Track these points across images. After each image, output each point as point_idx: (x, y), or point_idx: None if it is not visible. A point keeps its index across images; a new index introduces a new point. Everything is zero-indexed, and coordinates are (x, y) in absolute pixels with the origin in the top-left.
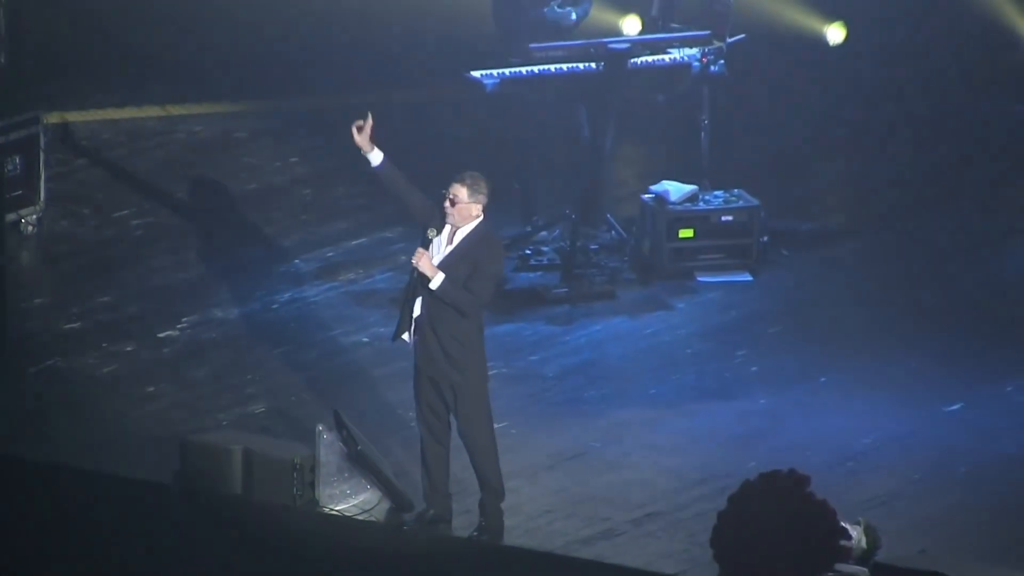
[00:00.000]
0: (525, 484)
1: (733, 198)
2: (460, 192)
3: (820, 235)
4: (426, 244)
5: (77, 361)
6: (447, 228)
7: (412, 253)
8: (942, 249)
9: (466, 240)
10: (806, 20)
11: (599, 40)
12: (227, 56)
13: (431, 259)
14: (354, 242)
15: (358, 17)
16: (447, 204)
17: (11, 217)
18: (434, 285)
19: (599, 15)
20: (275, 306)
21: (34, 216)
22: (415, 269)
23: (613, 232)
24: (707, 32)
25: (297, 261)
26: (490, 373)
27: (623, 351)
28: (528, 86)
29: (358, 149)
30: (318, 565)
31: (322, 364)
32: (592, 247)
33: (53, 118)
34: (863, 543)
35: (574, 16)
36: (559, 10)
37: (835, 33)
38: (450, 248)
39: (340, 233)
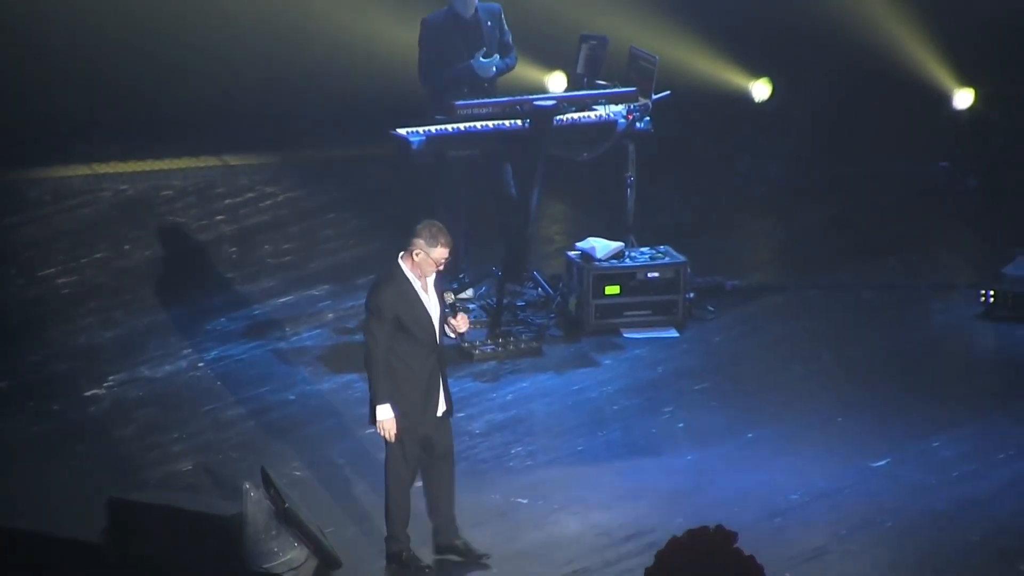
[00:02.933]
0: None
1: (659, 255)
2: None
3: (745, 291)
4: (453, 308)
5: (3, 421)
6: (422, 282)
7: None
8: (868, 306)
9: (435, 286)
10: (732, 77)
11: (524, 97)
12: (152, 115)
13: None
14: (281, 300)
15: (286, 77)
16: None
17: None
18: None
19: (525, 72)
20: (202, 364)
21: None
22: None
23: (540, 289)
24: (633, 89)
25: (223, 319)
26: None
27: (550, 407)
28: (454, 143)
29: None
30: None
31: (249, 422)
32: (519, 304)
33: None
34: None
35: (500, 66)
36: (485, 60)
37: (760, 90)
38: (432, 296)
39: (266, 291)
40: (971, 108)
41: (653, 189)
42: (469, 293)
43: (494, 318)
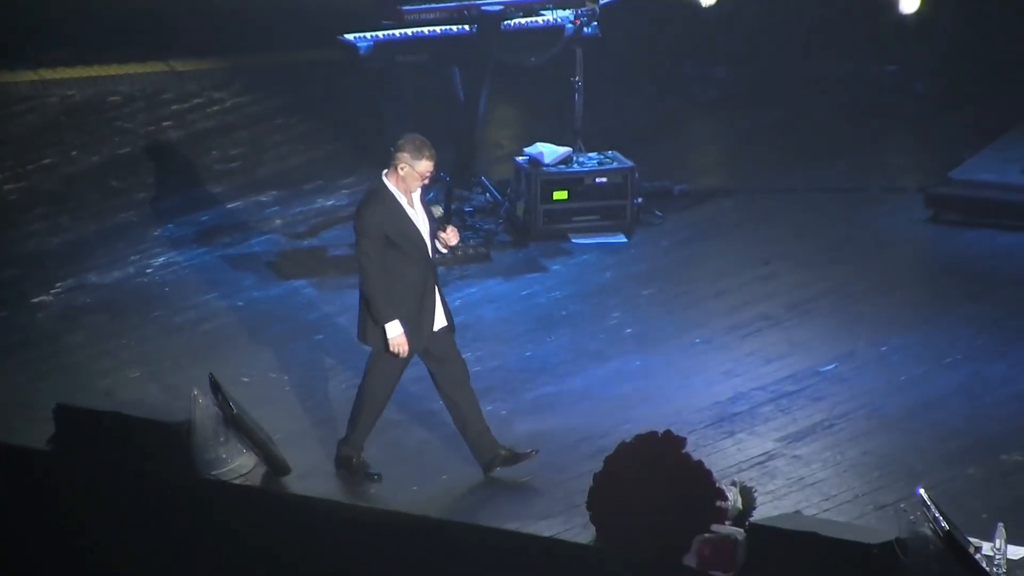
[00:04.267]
0: (399, 436)
1: (607, 160)
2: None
3: (693, 196)
4: (441, 222)
5: None
6: (407, 197)
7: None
8: (816, 209)
9: (421, 200)
10: None
11: (472, 2)
12: (99, 18)
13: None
14: (229, 206)
15: None
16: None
17: None
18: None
19: None
20: (150, 270)
21: None
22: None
23: (487, 194)
24: None
25: (171, 225)
26: None
27: (498, 313)
28: (401, 48)
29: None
30: (203, 530)
31: (197, 328)
32: (467, 209)
33: None
34: (739, 504)
35: None
36: None
37: None
38: (419, 211)
39: (215, 197)
40: (918, 11)
41: (600, 94)
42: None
43: (442, 224)
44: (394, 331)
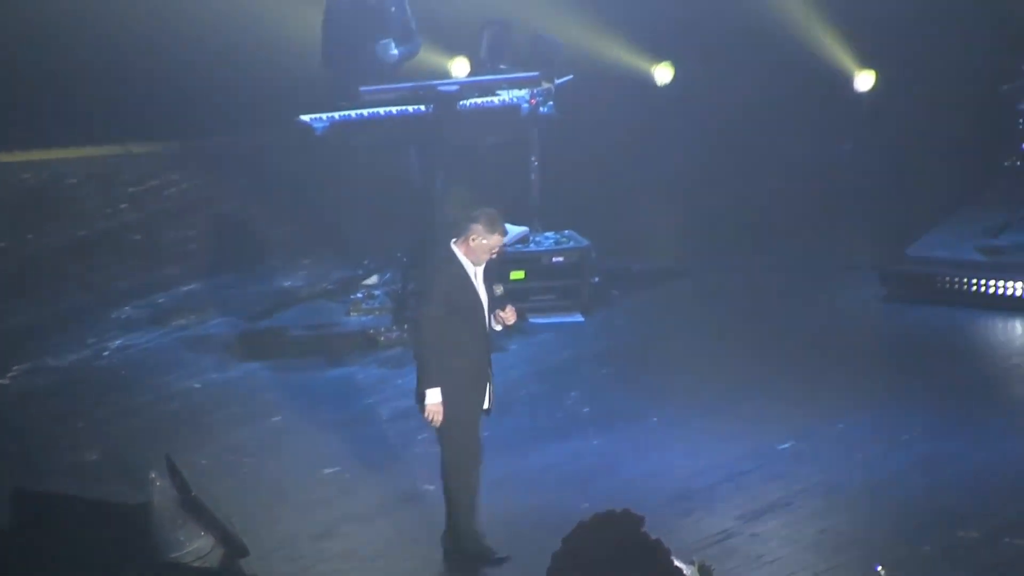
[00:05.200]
0: (361, 528)
1: (564, 239)
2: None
3: (650, 275)
4: (502, 301)
5: None
6: (474, 269)
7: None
8: (772, 288)
9: (484, 274)
10: (634, 60)
11: (428, 82)
12: (55, 103)
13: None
14: (185, 288)
15: (189, 62)
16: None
17: None
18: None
19: (428, 57)
20: (107, 353)
21: None
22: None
23: None
24: (536, 73)
25: (128, 308)
26: (322, 417)
27: None
28: (358, 129)
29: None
30: None
31: (155, 410)
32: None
33: None
34: None
35: (396, 51)
36: (385, 42)
37: (663, 73)
38: (481, 283)
39: (171, 279)
40: (872, 90)
41: (557, 173)
42: (374, 279)
43: (399, 304)
44: (433, 398)
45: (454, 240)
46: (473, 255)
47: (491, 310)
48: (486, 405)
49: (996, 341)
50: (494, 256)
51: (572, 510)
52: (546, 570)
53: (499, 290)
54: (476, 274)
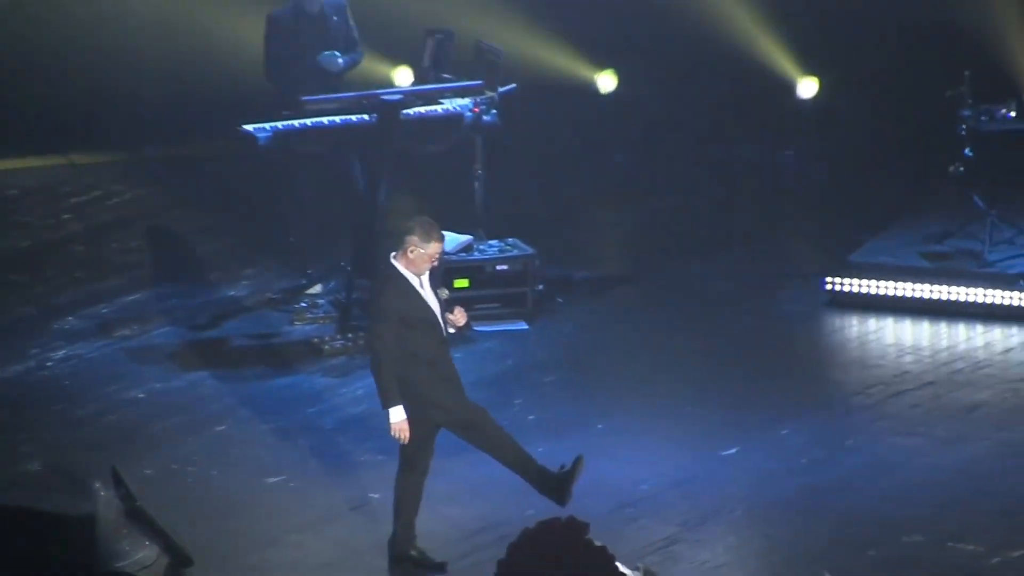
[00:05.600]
0: (306, 538)
1: (508, 247)
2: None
3: (595, 282)
4: (449, 304)
5: None
6: (418, 279)
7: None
8: (716, 295)
9: (430, 282)
10: (577, 68)
11: (371, 92)
12: None
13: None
14: (129, 298)
15: (132, 73)
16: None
17: None
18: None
19: (371, 66)
20: (50, 363)
21: None
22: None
23: None
24: (479, 82)
25: (72, 318)
26: (267, 427)
27: None
28: (301, 139)
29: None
30: None
31: (99, 421)
32: (368, 299)
33: None
34: None
35: (341, 60)
36: (328, 54)
37: (606, 81)
38: (428, 291)
39: (115, 289)
40: (815, 97)
41: (501, 182)
42: (318, 288)
43: (344, 313)
44: (396, 416)
45: (393, 255)
46: (414, 266)
47: (442, 314)
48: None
49: (940, 347)
50: (435, 264)
51: (517, 517)
52: None
53: (444, 294)
54: (422, 283)
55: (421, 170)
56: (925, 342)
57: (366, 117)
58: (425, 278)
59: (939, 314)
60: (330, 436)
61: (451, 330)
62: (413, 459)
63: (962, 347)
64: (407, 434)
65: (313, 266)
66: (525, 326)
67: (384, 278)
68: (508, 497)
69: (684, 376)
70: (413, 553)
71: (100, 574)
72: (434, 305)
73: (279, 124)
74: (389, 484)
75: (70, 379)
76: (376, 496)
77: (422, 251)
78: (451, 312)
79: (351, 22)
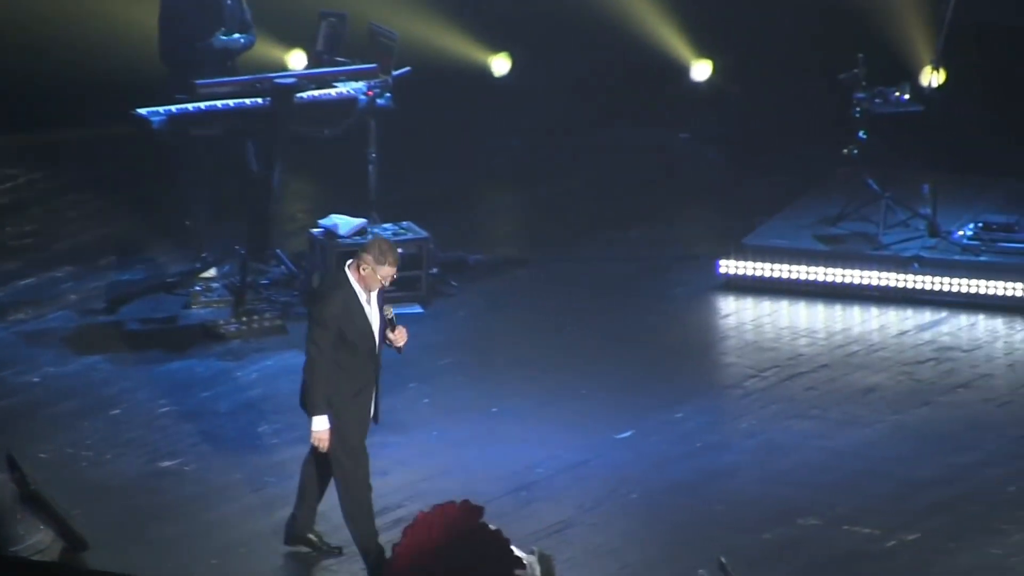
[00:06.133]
0: (201, 519)
1: (402, 231)
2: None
3: (489, 266)
4: (392, 323)
5: None
6: (367, 294)
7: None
8: (610, 278)
9: (378, 297)
10: (471, 52)
11: (265, 75)
12: None
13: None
14: (23, 282)
15: (26, 55)
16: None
17: None
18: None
19: (264, 50)
20: None
21: None
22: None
23: (283, 267)
24: (373, 66)
25: None
26: (162, 411)
27: (295, 386)
28: (195, 122)
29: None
30: None
31: None
32: (262, 282)
33: None
34: (537, 572)
35: (243, 41)
36: (225, 38)
37: (500, 64)
38: (374, 308)
39: (8, 273)
40: (709, 80)
41: (395, 165)
42: (213, 272)
43: (238, 297)
44: (319, 425)
45: (349, 264)
46: (364, 283)
47: (382, 332)
48: (373, 421)
49: (834, 330)
50: (385, 285)
51: (412, 501)
52: (387, 561)
53: (389, 312)
54: (369, 300)
55: (315, 153)
56: (820, 325)
57: (260, 101)
58: (374, 294)
59: (834, 297)
60: (224, 420)
61: (389, 346)
62: (355, 468)
63: (857, 330)
64: (326, 444)
65: (208, 250)
66: (420, 310)
67: (333, 284)
68: (403, 480)
69: (579, 359)
70: (311, 536)
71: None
72: (376, 323)
73: (173, 108)
74: (283, 468)
75: None
76: (271, 480)
77: (373, 270)
78: (392, 331)
79: (244, 5)
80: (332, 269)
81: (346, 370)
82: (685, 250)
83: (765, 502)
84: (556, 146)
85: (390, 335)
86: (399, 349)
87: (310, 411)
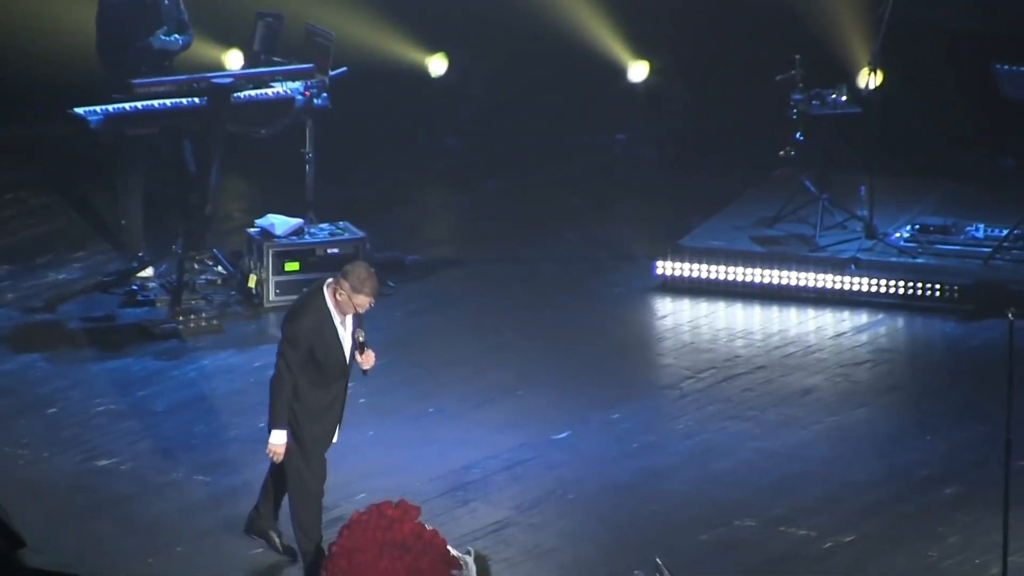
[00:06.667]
0: (136, 514)
1: (339, 231)
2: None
3: (426, 266)
4: (362, 346)
5: None
6: (341, 317)
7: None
8: (547, 278)
9: (353, 320)
10: (408, 52)
11: (202, 75)
12: None
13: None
14: None
15: None
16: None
17: None
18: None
19: (202, 50)
20: None
21: None
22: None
23: (220, 266)
24: (310, 66)
25: None
26: (98, 409)
27: (232, 385)
28: (132, 122)
29: None
30: None
31: None
32: (199, 281)
33: None
34: (474, 572)
35: (181, 41)
36: (165, 38)
37: (437, 64)
38: (348, 329)
39: None
40: (646, 80)
41: (332, 165)
42: (149, 271)
43: (175, 296)
44: (278, 440)
45: (327, 283)
46: (339, 307)
47: (352, 354)
48: (335, 439)
49: (771, 331)
50: (361, 311)
51: (348, 501)
52: (323, 561)
53: (360, 336)
54: (344, 321)
55: (252, 153)
56: (756, 326)
57: (197, 100)
58: (348, 319)
59: (770, 299)
60: (160, 419)
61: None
62: (308, 479)
63: (793, 331)
64: (281, 457)
65: (144, 249)
66: None
67: (308, 302)
68: (339, 480)
69: (515, 360)
70: (272, 534)
71: None
72: (347, 345)
73: (110, 107)
74: (220, 467)
75: None
76: (206, 479)
77: (348, 297)
78: (360, 353)
79: (182, 5)
80: (311, 287)
81: (316, 387)
82: (622, 251)
83: (701, 503)
84: (493, 147)
85: (358, 356)
86: (365, 372)
87: (271, 424)
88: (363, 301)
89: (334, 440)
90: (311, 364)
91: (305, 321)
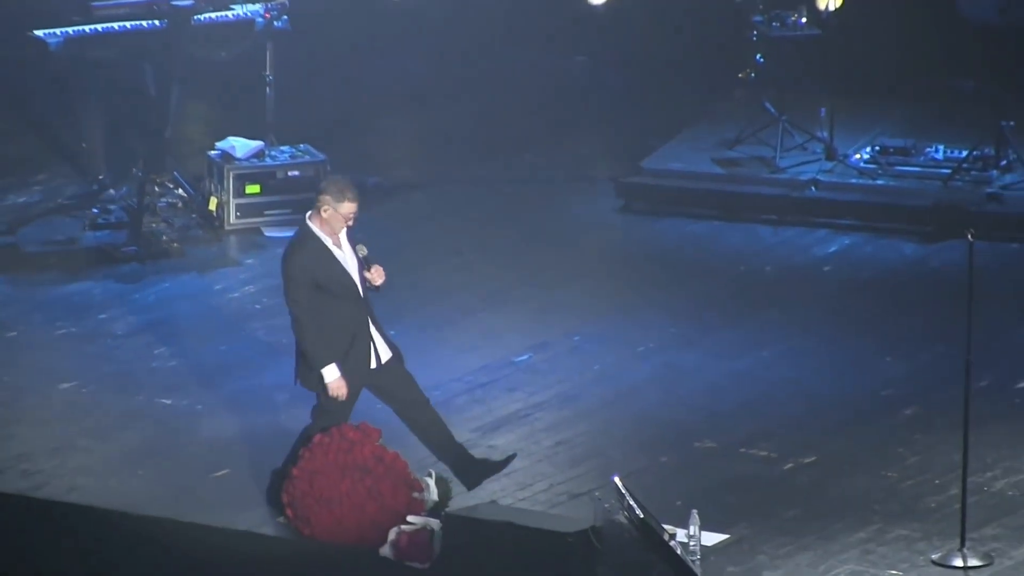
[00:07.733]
0: (97, 443)
1: (299, 153)
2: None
3: (387, 189)
4: (368, 261)
5: None
6: (333, 239)
7: None
8: (508, 200)
9: (348, 237)
10: None
11: None
12: None
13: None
14: None
15: None
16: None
17: None
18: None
19: None
20: None
21: None
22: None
23: (180, 189)
24: None
25: None
26: (59, 333)
27: (193, 309)
28: (92, 44)
29: None
30: None
31: None
32: (160, 204)
33: None
34: (435, 495)
35: None
36: None
37: None
38: (346, 250)
39: None
40: (608, 3)
41: (292, 88)
42: (110, 194)
43: (135, 219)
44: (331, 375)
45: (308, 215)
46: (328, 226)
47: (360, 272)
48: (373, 364)
49: (731, 254)
50: (351, 224)
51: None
52: (284, 484)
53: (363, 251)
54: (338, 242)
55: (212, 76)
56: (718, 248)
57: (157, 23)
58: (342, 236)
59: (729, 220)
60: (121, 342)
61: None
62: (335, 413)
63: (754, 253)
64: (344, 391)
65: (105, 172)
66: None
67: (297, 240)
68: (301, 403)
69: (476, 282)
70: (494, 464)
71: None
72: (351, 265)
73: (70, 30)
74: (181, 390)
75: None
76: (168, 402)
77: (334, 211)
78: (368, 270)
79: None
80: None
81: (335, 322)
82: (583, 172)
83: (663, 424)
84: (453, 68)
85: (367, 274)
86: (377, 288)
87: (315, 365)
88: (349, 208)
89: (374, 366)
90: (321, 295)
91: (298, 255)
